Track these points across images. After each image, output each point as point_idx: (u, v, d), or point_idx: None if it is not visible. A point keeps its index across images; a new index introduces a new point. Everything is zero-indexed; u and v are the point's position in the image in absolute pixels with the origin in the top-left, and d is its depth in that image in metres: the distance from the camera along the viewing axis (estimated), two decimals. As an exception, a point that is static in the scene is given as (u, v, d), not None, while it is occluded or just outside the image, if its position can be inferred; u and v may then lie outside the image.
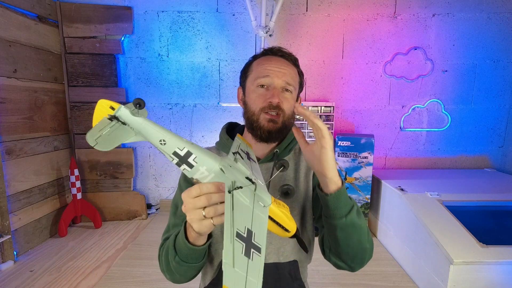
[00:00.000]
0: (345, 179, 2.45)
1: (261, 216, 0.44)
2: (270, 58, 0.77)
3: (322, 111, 2.49)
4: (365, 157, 2.28)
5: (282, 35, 2.57)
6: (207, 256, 0.68)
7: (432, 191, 1.96)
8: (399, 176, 2.37)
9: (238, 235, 0.38)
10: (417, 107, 2.65)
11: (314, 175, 0.80)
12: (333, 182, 0.59)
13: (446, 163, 2.75)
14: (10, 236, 1.87)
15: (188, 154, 0.45)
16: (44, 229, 2.24)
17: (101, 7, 2.45)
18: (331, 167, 0.57)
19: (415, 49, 2.57)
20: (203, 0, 2.52)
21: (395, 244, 2.04)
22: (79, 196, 2.40)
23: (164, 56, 2.59)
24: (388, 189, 2.17)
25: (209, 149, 0.83)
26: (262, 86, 0.74)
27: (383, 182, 2.24)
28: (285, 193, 0.54)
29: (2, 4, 1.90)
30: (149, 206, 2.74)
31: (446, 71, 2.61)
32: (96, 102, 0.47)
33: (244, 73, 0.82)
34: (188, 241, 0.58)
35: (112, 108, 0.46)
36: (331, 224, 0.62)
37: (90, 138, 0.46)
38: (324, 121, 2.48)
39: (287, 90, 0.75)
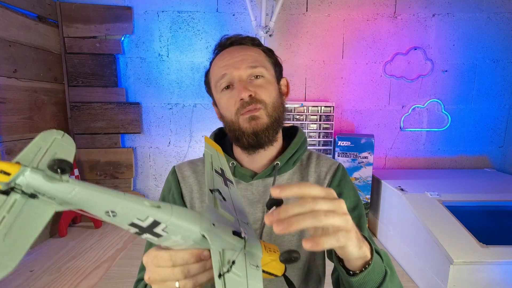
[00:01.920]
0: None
1: (256, 285, 0.35)
2: (221, 54, 0.64)
3: (322, 111, 2.49)
4: (365, 157, 2.28)
5: (282, 35, 2.57)
6: None
7: (432, 191, 1.96)
8: (399, 176, 2.37)
9: None
10: (417, 107, 2.65)
11: None
12: (359, 259, 0.41)
13: (446, 163, 2.75)
14: (10, 236, 1.87)
15: (154, 224, 0.33)
16: (44, 229, 2.24)
17: (101, 7, 2.45)
18: (356, 252, 0.39)
19: (415, 49, 2.57)
20: (203, 0, 2.52)
21: (395, 244, 2.04)
22: (79, 196, 2.40)
23: (164, 56, 2.59)
24: (388, 189, 2.17)
25: (195, 161, 0.72)
26: (226, 88, 0.61)
27: (383, 182, 2.24)
28: (288, 261, 0.38)
29: (2, 4, 1.90)
30: (149, 206, 2.74)
31: (446, 71, 2.60)
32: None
33: (208, 87, 0.69)
34: None
35: (5, 173, 0.26)
36: None
37: None
38: (324, 121, 2.49)
39: (256, 76, 0.61)
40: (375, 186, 2.36)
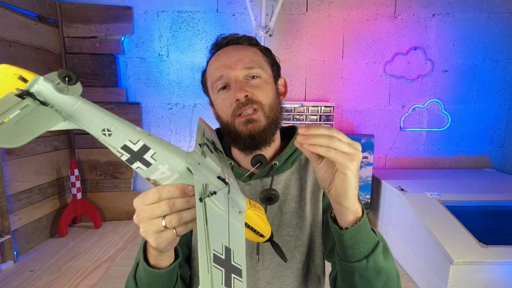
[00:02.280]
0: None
1: (237, 226, 0.36)
2: (217, 54, 0.64)
3: (322, 111, 2.49)
4: (365, 157, 2.28)
5: (282, 35, 2.57)
6: (179, 284, 0.53)
7: (432, 191, 1.96)
8: (399, 176, 2.37)
9: (216, 259, 0.31)
10: (417, 107, 2.65)
11: (325, 195, 0.65)
12: (351, 212, 0.45)
13: (446, 163, 2.75)
14: (10, 236, 1.87)
15: (144, 149, 0.34)
16: (44, 229, 2.24)
17: (101, 7, 2.45)
18: (351, 196, 0.43)
19: (415, 49, 2.57)
20: (203, 0, 2.52)
21: (395, 244, 2.05)
22: (79, 196, 2.40)
23: (164, 56, 2.59)
24: (388, 189, 2.17)
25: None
26: (223, 88, 0.60)
27: (383, 182, 2.24)
28: (268, 200, 0.44)
29: (2, 4, 1.90)
30: (149, 206, 2.74)
31: (446, 71, 2.61)
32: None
33: (204, 87, 0.68)
34: (148, 264, 0.45)
35: (23, 80, 0.31)
36: (346, 267, 0.49)
37: None
38: (324, 121, 2.49)
39: (253, 77, 0.60)
40: (375, 186, 2.36)
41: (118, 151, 0.34)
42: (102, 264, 1.90)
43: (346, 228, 0.46)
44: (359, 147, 0.42)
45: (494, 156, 2.75)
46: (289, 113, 2.47)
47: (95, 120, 0.33)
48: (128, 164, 0.35)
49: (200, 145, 0.45)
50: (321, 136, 0.40)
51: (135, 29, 2.54)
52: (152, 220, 0.37)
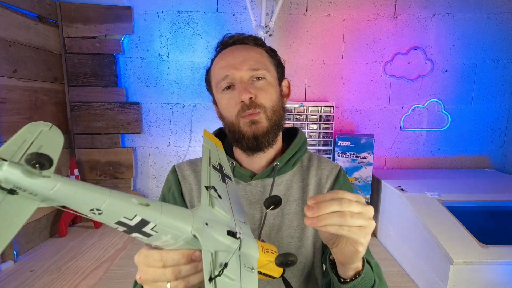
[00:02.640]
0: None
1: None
2: (223, 53, 0.63)
3: (322, 111, 2.49)
4: (365, 157, 2.28)
5: (282, 35, 2.57)
6: None
7: (432, 191, 1.96)
8: (399, 176, 2.37)
9: None
10: (417, 107, 2.65)
11: None
12: (352, 269, 0.45)
13: (446, 163, 2.75)
14: (10, 236, 1.87)
15: (143, 223, 0.31)
16: (44, 229, 2.24)
17: (101, 7, 2.45)
18: (356, 262, 0.43)
19: (415, 49, 2.57)
20: (203, 0, 2.52)
21: (395, 244, 2.05)
22: (79, 196, 2.40)
23: (164, 56, 2.59)
24: (388, 189, 2.17)
25: (195, 161, 0.72)
26: (227, 88, 0.60)
27: (383, 182, 2.24)
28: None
29: (2, 4, 1.90)
30: (149, 206, 2.74)
31: (446, 71, 2.60)
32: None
33: (208, 86, 0.67)
34: None
35: None
36: None
37: None
38: (324, 121, 2.49)
39: (258, 78, 0.60)
40: (375, 186, 2.36)
41: (113, 226, 0.31)
42: (102, 264, 1.90)
43: (345, 281, 0.46)
44: (371, 212, 0.38)
45: (494, 156, 2.75)
46: (289, 113, 2.47)
47: (81, 200, 0.28)
48: (126, 233, 0.32)
49: (206, 188, 0.41)
50: (332, 215, 0.36)
51: (135, 29, 2.54)
52: (156, 283, 0.35)
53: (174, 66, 2.60)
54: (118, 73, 2.55)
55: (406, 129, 2.69)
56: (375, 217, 2.39)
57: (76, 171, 2.38)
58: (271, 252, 0.39)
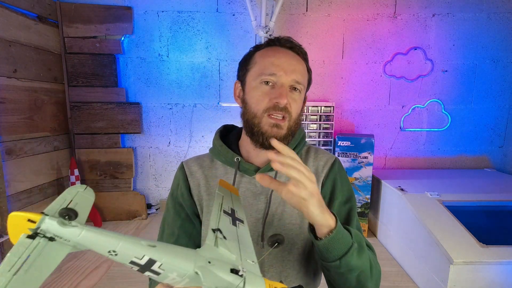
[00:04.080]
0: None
1: None
2: (277, 50, 0.66)
3: (322, 111, 2.49)
4: (365, 157, 2.28)
5: (282, 35, 2.56)
6: None
7: (432, 191, 1.96)
8: (399, 176, 2.37)
9: None
10: (417, 107, 2.65)
11: (323, 188, 0.70)
12: (323, 226, 0.52)
13: (446, 163, 2.75)
14: (10, 236, 1.87)
15: (150, 262, 0.36)
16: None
17: (101, 7, 2.45)
18: (317, 215, 0.50)
19: (415, 49, 2.57)
20: (203, 0, 2.52)
21: (395, 244, 2.05)
22: (79, 196, 2.40)
23: (164, 56, 2.59)
24: (388, 189, 2.17)
25: (202, 156, 0.76)
26: (267, 83, 0.63)
27: (383, 182, 2.24)
28: (275, 244, 0.46)
29: (2, 4, 1.90)
30: (149, 206, 2.74)
31: (446, 71, 2.61)
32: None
33: (245, 66, 0.69)
34: None
35: (31, 221, 0.34)
36: (323, 264, 0.57)
37: None
38: (324, 121, 2.49)
39: (295, 89, 0.65)
40: (375, 186, 2.36)
41: (128, 265, 0.37)
42: (102, 264, 1.90)
43: (320, 239, 0.53)
44: (313, 178, 0.50)
45: (494, 156, 2.75)
46: (289, 113, 2.47)
47: (101, 244, 0.36)
48: (141, 272, 0.38)
49: (213, 231, 0.45)
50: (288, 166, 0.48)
51: (135, 29, 2.54)
52: None
53: (174, 66, 2.60)
54: (118, 73, 2.55)
55: (406, 129, 2.69)
56: (375, 217, 2.39)
57: (76, 171, 2.38)
58: None
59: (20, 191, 2.02)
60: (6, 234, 1.86)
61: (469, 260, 1.38)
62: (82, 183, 2.49)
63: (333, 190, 0.70)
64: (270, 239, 0.56)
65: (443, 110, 2.65)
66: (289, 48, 0.67)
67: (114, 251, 0.35)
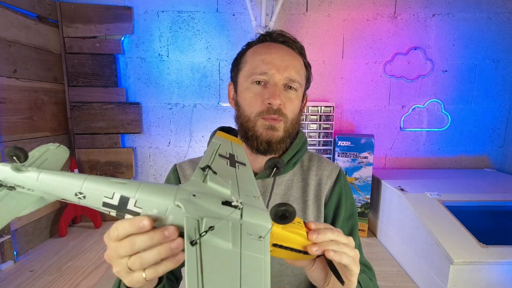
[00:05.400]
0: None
1: (256, 258, 0.29)
2: (268, 46, 0.62)
3: (322, 111, 2.49)
4: (365, 157, 2.28)
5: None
6: None
7: (432, 191, 1.96)
8: (399, 176, 2.37)
9: None
10: (417, 107, 2.65)
11: (328, 201, 0.66)
12: None
13: (446, 163, 2.75)
14: (10, 236, 1.87)
15: (124, 200, 0.32)
16: (44, 229, 2.24)
17: (101, 7, 2.45)
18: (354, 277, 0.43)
19: (415, 49, 2.57)
20: (203, 0, 2.52)
21: (395, 244, 2.04)
22: (79, 196, 2.40)
23: (164, 56, 2.59)
24: (388, 189, 2.17)
25: (196, 160, 0.72)
26: (258, 82, 0.59)
27: (383, 182, 2.24)
28: (281, 217, 0.37)
29: (2, 4, 1.90)
30: (149, 206, 2.74)
31: (446, 71, 2.60)
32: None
33: (236, 66, 0.66)
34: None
35: None
36: None
37: None
38: (324, 121, 2.49)
39: (290, 87, 0.60)
40: (375, 186, 2.36)
41: (103, 210, 0.33)
42: (102, 264, 1.90)
43: None
44: (353, 243, 0.41)
45: (494, 156, 2.75)
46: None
47: (64, 187, 0.32)
48: (121, 218, 0.34)
49: (202, 169, 0.39)
50: (331, 242, 0.38)
51: (135, 29, 2.54)
52: (119, 260, 0.34)
53: (174, 66, 2.60)
54: (118, 73, 2.55)
55: (406, 129, 2.69)
56: (375, 217, 2.39)
57: (76, 171, 2.38)
58: (293, 224, 0.36)
59: (20, 191, 2.02)
60: (6, 234, 1.86)
61: (469, 260, 1.38)
62: (82, 183, 2.48)
63: (338, 205, 0.66)
64: (277, 208, 0.50)
65: (443, 110, 2.65)
66: (282, 42, 0.62)
67: (80, 193, 0.32)
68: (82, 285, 1.69)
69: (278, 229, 0.34)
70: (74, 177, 0.32)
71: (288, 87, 0.60)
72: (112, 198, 0.32)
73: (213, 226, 0.30)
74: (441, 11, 2.53)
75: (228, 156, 0.44)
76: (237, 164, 0.43)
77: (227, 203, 0.33)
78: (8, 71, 1.95)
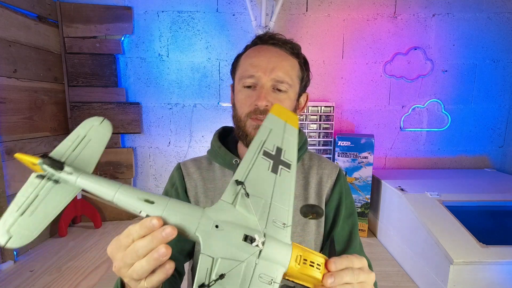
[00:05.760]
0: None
1: None
2: (258, 49, 0.64)
3: (322, 111, 2.49)
4: (365, 157, 2.28)
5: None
6: None
7: (432, 191, 1.96)
8: (399, 176, 2.37)
9: None
10: (417, 107, 2.65)
11: (329, 200, 0.67)
12: None
13: (446, 163, 2.75)
14: (10, 236, 1.87)
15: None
16: (44, 229, 2.24)
17: (101, 7, 2.45)
18: None
19: (415, 49, 2.57)
20: (203, 0, 2.52)
21: (395, 244, 2.04)
22: (79, 196, 2.40)
23: (164, 56, 2.59)
24: (388, 189, 2.17)
25: (199, 158, 0.74)
26: (248, 86, 0.62)
27: (383, 182, 2.24)
28: (314, 214, 0.36)
29: (2, 4, 1.90)
30: (149, 206, 2.74)
31: (446, 71, 2.60)
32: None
33: (233, 69, 0.69)
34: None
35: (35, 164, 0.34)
36: None
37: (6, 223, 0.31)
38: (324, 121, 2.49)
39: (279, 89, 0.61)
40: (375, 186, 2.36)
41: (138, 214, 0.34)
42: (102, 264, 1.90)
43: None
44: (373, 279, 0.40)
45: (494, 156, 2.75)
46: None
47: (99, 192, 0.34)
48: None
49: (237, 182, 0.36)
50: (345, 285, 0.37)
51: (135, 29, 2.54)
52: (130, 268, 0.35)
53: (174, 66, 2.60)
54: (118, 73, 2.55)
55: (406, 129, 2.69)
56: (375, 217, 2.39)
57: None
58: (311, 265, 0.34)
59: (20, 191, 2.02)
60: (6, 234, 1.86)
61: (469, 260, 1.38)
62: (82, 183, 2.48)
63: (339, 203, 0.68)
64: (306, 208, 0.48)
65: (443, 110, 2.65)
66: (272, 44, 0.64)
67: (113, 202, 0.34)
68: (82, 285, 1.69)
69: (294, 270, 0.33)
70: (107, 187, 0.34)
71: (276, 89, 0.61)
72: (139, 214, 0.34)
73: (223, 275, 0.30)
74: (441, 11, 2.53)
75: (274, 153, 0.39)
76: (280, 168, 0.38)
77: (248, 238, 0.32)
78: (8, 71, 1.95)
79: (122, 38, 2.53)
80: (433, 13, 2.54)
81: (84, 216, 2.51)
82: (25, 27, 2.09)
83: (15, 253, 1.95)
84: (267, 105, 0.59)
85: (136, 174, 2.70)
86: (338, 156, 2.31)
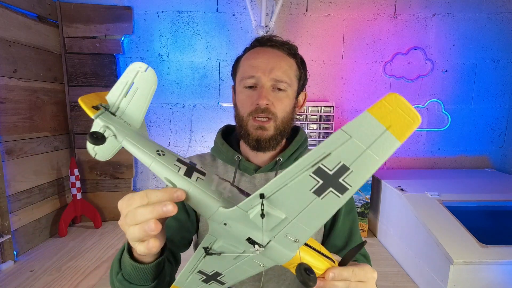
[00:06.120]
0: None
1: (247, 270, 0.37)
2: (257, 51, 0.67)
3: (322, 111, 2.49)
4: (365, 157, 2.27)
5: (282, 35, 2.55)
6: (164, 277, 0.52)
7: (432, 191, 1.96)
8: (399, 176, 2.37)
9: None
10: (417, 107, 2.65)
11: None
12: None
13: (446, 163, 2.75)
14: (10, 236, 1.87)
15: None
16: (44, 229, 2.24)
17: (101, 7, 2.45)
18: None
19: (415, 49, 2.57)
20: (203, 0, 2.52)
21: (395, 244, 2.04)
22: (79, 196, 2.40)
23: (164, 56, 2.59)
24: (388, 189, 2.17)
25: (204, 155, 0.76)
26: (249, 87, 0.64)
27: (383, 182, 2.24)
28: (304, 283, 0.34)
29: (2, 4, 1.90)
30: (149, 206, 2.73)
31: (446, 71, 2.60)
32: None
33: (234, 71, 0.72)
34: (131, 257, 0.45)
35: (96, 108, 0.40)
36: None
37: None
38: (324, 121, 2.49)
39: (279, 88, 0.64)
40: (375, 186, 2.36)
41: (174, 165, 0.37)
42: (102, 264, 1.90)
43: None
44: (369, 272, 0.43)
45: (494, 156, 2.74)
46: (289, 113, 2.47)
47: (139, 156, 0.38)
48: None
49: (260, 196, 0.32)
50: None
51: (135, 29, 2.54)
52: (135, 228, 0.37)
53: (174, 66, 2.60)
54: (118, 73, 2.55)
55: (406, 129, 2.69)
56: (375, 217, 2.39)
57: (76, 171, 2.38)
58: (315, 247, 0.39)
59: (20, 191, 2.02)
60: (6, 234, 1.86)
61: (469, 260, 1.38)
62: (82, 183, 2.48)
63: None
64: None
65: (443, 110, 2.65)
66: (270, 46, 0.67)
67: (162, 151, 0.39)
68: (82, 285, 1.69)
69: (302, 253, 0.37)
70: (145, 154, 0.38)
71: (277, 88, 0.64)
72: (170, 183, 0.37)
73: (221, 253, 0.37)
74: (441, 11, 2.53)
75: (331, 173, 0.28)
76: (329, 191, 0.29)
77: (251, 241, 0.34)
78: (8, 71, 1.95)
79: (122, 38, 2.53)
80: (433, 13, 2.54)
81: (84, 216, 2.51)
82: (25, 27, 2.09)
83: (15, 253, 1.95)
84: (267, 104, 0.62)
85: (136, 174, 2.70)
86: (338, 156, 2.31)
